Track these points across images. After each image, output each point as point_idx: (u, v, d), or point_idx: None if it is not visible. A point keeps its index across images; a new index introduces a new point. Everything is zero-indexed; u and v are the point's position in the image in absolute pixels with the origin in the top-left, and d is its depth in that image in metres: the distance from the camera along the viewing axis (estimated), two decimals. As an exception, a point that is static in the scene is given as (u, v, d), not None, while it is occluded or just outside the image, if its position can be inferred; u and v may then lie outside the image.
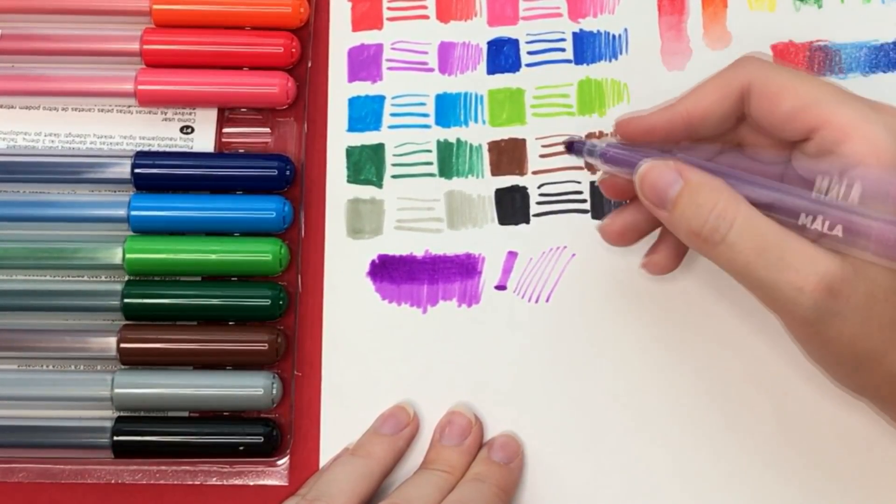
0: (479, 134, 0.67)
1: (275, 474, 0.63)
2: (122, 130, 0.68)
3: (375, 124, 0.68)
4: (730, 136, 0.60)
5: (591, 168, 0.66)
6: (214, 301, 0.64)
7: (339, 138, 0.67)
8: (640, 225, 0.61)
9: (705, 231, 0.53)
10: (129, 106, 0.68)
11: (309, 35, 0.68)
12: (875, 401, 0.56)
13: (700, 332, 0.63)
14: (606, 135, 0.66)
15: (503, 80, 0.68)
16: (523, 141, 0.67)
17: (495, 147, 0.67)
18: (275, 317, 0.64)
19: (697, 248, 0.54)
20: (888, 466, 0.61)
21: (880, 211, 0.51)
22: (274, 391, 0.63)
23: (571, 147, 0.63)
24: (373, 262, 0.65)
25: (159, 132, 0.67)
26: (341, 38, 0.69)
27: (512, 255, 0.65)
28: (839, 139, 0.53)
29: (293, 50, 0.67)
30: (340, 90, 0.68)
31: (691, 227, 0.53)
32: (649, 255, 0.61)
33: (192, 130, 0.67)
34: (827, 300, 0.51)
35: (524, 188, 0.66)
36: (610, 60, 0.68)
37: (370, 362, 0.64)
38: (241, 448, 0.62)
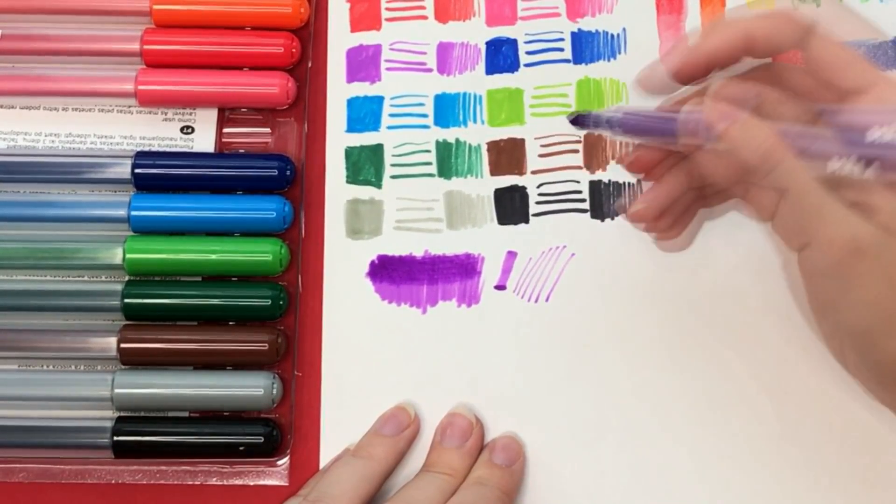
0: (478, 134, 0.67)
1: (275, 474, 0.63)
2: (122, 130, 0.68)
3: (374, 125, 0.68)
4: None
5: (590, 169, 0.66)
6: (214, 301, 0.64)
7: (338, 139, 0.68)
8: (673, 205, 0.61)
9: (755, 161, 0.55)
10: (130, 106, 0.68)
11: (309, 35, 0.68)
12: (885, 378, 0.56)
13: (700, 332, 0.63)
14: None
15: (502, 80, 0.68)
16: (522, 141, 0.67)
17: (494, 147, 0.67)
18: (275, 317, 0.64)
19: (737, 181, 0.57)
20: (890, 466, 0.61)
21: None
22: (274, 391, 0.63)
23: (579, 121, 0.62)
24: (372, 263, 0.65)
25: (159, 132, 0.68)
26: (340, 38, 0.69)
27: (511, 254, 0.65)
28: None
29: (293, 50, 0.67)
30: (339, 91, 0.68)
31: (743, 156, 0.55)
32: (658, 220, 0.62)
33: (193, 130, 0.68)
34: (854, 258, 0.53)
35: (523, 188, 0.66)
36: (609, 60, 0.68)
37: (370, 362, 0.64)
38: (242, 448, 0.62)
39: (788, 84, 0.60)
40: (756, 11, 0.58)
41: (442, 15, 0.69)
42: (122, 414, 0.63)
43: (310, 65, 0.68)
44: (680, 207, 0.62)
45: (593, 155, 0.66)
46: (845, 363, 0.57)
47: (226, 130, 0.68)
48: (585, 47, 0.68)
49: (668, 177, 0.61)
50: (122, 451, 0.63)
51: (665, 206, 0.61)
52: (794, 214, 0.55)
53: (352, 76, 0.69)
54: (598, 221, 0.65)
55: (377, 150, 0.67)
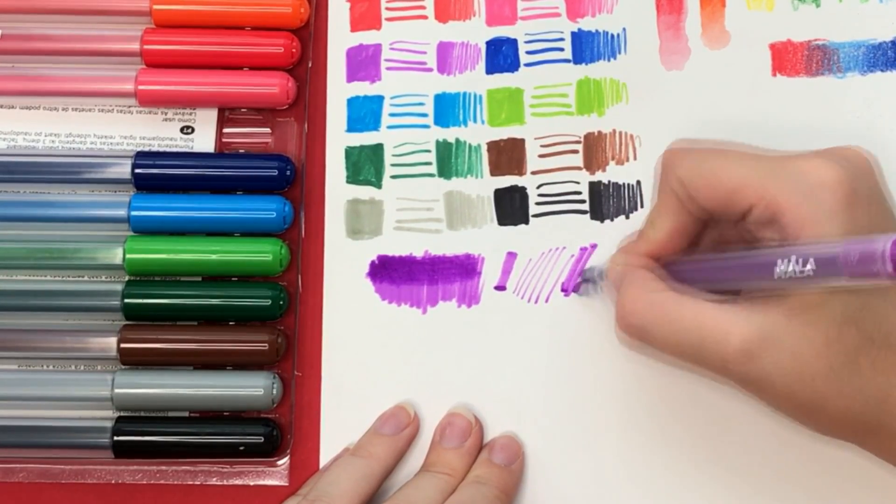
0: (477, 134, 0.67)
1: (275, 474, 0.63)
2: (122, 130, 0.68)
3: (374, 124, 0.68)
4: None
5: (590, 170, 0.66)
6: (215, 301, 0.64)
7: (338, 139, 0.67)
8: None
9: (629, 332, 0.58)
10: (130, 106, 0.68)
11: (309, 35, 0.68)
12: (843, 439, 0.57)
13: (699, 333, 0.63)
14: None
15: (502, 80, 0.68)
16: (522, 141, 0.67)
17: (494, 147, 0.67)
18: (275, 317, 0.64)
19: None
20: (886, 469, 0.62)
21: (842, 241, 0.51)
22: (274, 391, 0.63)
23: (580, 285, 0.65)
24: (372, 263, 0.65)
25: (159, 132, 0.67)
26: (339, 38, 0.69)
27: (511, 255, 0.65)
28: (775, 212, 0.54)
29: (293, 50, 0.67)
30: (339, 90, 0.68)
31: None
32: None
33: (193, 130, 0.68)
34: (750, 364, 0.53)
35: (523, 188, 0.66)
36: (609, 60, 0.68)
37: (370, 362, 0.64)
38: (242, 448, 0.63)
39: None
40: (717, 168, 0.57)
41: (442, 15, 0.69)
42: (122, 414, 0.63)
43: (310, 65, 0.68)
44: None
45: (593, 156, 0.66)
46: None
47: (226, 130, 0.68)
48: (585, 47, 0.68)
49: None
50: (122, 451, 0.63)
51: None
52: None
53: (352, 76, 0.68)
54: (598, 222, 0.65)
55: (377, 149, 0.67)
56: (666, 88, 0.67)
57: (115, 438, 0.63)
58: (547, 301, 0.65)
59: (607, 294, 0.62)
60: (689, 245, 0.60)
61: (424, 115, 0.68)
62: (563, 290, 0.65)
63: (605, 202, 0.66)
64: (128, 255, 0.64)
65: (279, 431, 0.63)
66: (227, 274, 0.65)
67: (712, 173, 0.56)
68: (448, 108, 0.68)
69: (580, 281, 0.64)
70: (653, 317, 0.56)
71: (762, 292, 0.54)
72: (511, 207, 0.66)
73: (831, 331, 0.53)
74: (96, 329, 0.64)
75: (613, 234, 0.65)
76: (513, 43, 0.68)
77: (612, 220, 0.65)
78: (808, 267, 0.50)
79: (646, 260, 0.60)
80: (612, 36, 0.68)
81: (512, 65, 0.68)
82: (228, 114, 0.68)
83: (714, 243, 0.60)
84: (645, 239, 0.60)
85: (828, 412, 0.54)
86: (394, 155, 0.67)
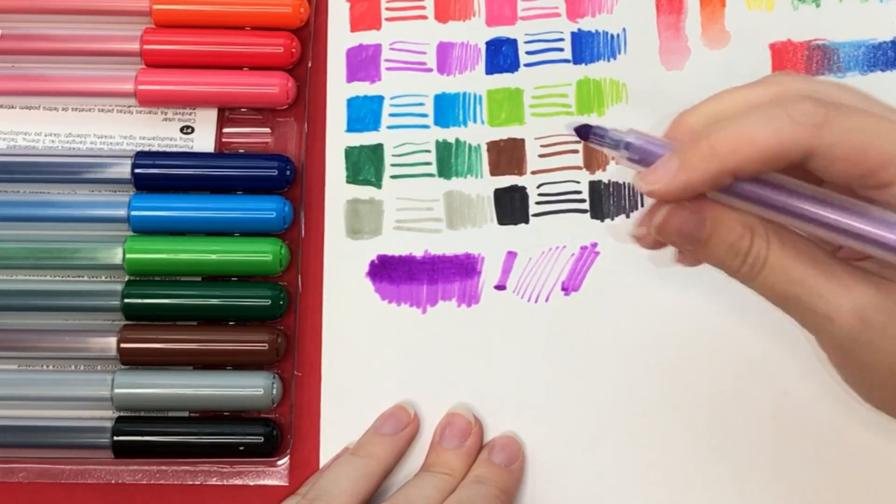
0: (477, 134, 0.67)
1: (275, 474, 0.63)
2: (122, 130, 0.68)
3: (374, 124, 0.68)
4: None
5: (590, 170, 0.66)
6: (214, 301, 0.64)
7: (338, 139, 0.68)
8: None
9: (742, 270, 0.50)
10: (130, 106, 0.68)
11: (309, 35, 0.68)
12: None
13: (700, 333, 0.63)
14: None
15: (502, 80, 0.68)
16: (522, 141, 0.67)
17: (494, 147, 0.67)
18: (275, 317, 0.64)
19: (733, 277, 0.51)
20: (886, 467, 0.62)
21: None
22: (274, 391, 0.63)
23: (582, 132, 0.51)
24: (372, 263, 0.65)
25: (159, 132, 0.68)
26: (339, 38, 0.69)
27: (511, 254, 0.65)
28: None
29: (293, 50, 0.67)
30: (339, 90, 0.68)
31: (725, 265, 0.50)
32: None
33: (193, 130, 0.68)
34: (860, 329, 0.49)
35: (523, 188, 0.66)
36: (608, 60, 0.68)
37: (370, 362, 0.64)
38: (241, 448, 0.62)
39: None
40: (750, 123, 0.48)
41: (442, 15, 0.69)
42: (122, 414, 0.63)
43: (310, 65, 0.68)
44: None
45: (593, 155, 0.66)
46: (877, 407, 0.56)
47: (226, 130, 0.68)
48: (585, 47, 0.68)
49: None
50: (122, 451, 0.63)
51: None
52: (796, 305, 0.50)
53: (352, 76, 0.69)
54: (598, 221, 0.65)
55: (377, 149, 0.67)
56: (666, 88, 0.67)
57: (115, 438, 0.63)
58: (547, 300, 0.65)
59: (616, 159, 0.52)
60: None
61: (424, 115, 0.68)
62: (563, 289, 0.65)
63: (606, 201, 0.66)
64: (128, 255, 0.64)
65: (279, 431, 0.63)
66: (227, 274, 0.65)
67: (859, 145, 0.47)
68: (448, 109, 0.68)
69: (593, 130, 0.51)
70: (770, 259, 0.49)
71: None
72: (511, 207, 0.66)
73: None
74: (96, 329, 0.64)
75: (614, 233, 0.65)
76: (513, 43, 0.68)
77: (612, 219, 0.65)
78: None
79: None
80: (612, 36, 0.68)
81: (512, 65, 0.68)
82: (228, 114, 0.68)
83: None
84: (727, 157, 0.47)
85: None
86: (394, 155, 0.67)
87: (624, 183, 0.66)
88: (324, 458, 0.63)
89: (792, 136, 0.47)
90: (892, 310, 0.49)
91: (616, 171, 0.66)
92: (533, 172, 0.66)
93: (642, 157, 0.48)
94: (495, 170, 0.67)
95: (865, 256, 0.50)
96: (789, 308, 0.51)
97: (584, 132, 0.50)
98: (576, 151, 0.66)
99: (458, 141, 0.67)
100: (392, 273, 0.65)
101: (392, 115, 0.68)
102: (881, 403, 0.53)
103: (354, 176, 0.67)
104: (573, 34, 0.68)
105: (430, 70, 0.68)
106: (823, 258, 0.50)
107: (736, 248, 0.50)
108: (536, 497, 0.62)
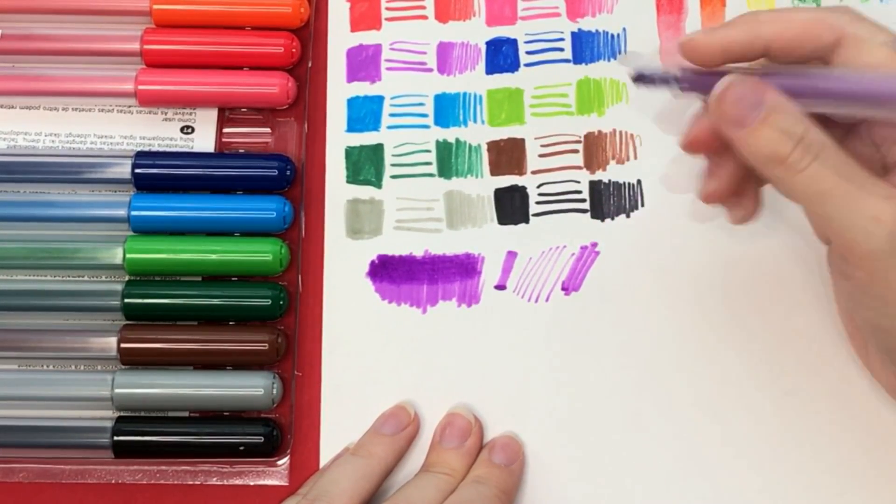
0: (477, 134, 0.67)
1: (275, 474, 0.63)
2: (122, 130, 0.68)
3: (374, 124, 0.68)
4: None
5: (590, 169, 0.66)
6: (215, 301, 0.64)
7: (338, 139, 0.68)
8: (743, 179, 0.57)
9: (791, 157, 0.50)
10: (130, 106, 0.68)
11: (309, 35, 0.68)
12: None
13: (701, 331, 0.63)
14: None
15: (502, 80, 0.68)
16: (522, 141, 0.67)
17: (494, 147, 0.67)
18: (275, 317, 0.64)
19: (772, 173, 0.51)
20: (888, 464, 0.62)
21: None
22: (274, 391, 0.63)
23: (641, 77, 0.56)
24: (372, 263, 0.65)
25: (159, 132, 0.68)
26: (340, 38, 0.69)
27: (511, 254, 0.65)
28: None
29: (293, 50, 0.67)
30: (339, 90, 0.68)
31: (776, 151, 0.51)
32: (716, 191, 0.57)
33: (193, 130, 0.68)
34: (875, 257, 0.50)
35: (523, 188, 0.66)
36: (609, 60, 0.68)
37: (370, 362, 0.64)
38: (242, 448, 0.62)
39: None
40: (790, 9, 0.54)
41: (442, 15, 0.69)
42: (122, 414, 0.63)
43: (310, 65, 0.68)
44: (750, 180, 0.57)
45: (593, 155, 0.66)
46: (868, 363, 0.57)
47: (226, 130, 0.68)
48: (585, 47, 0.68)
49: (729, 153, 0.55)
50: (122, 451, 0.63)
51: (736, 183, 0.57)
52: (820, 210, 0.51)
53: (352, 76, 0.69)
54: (599, 221, 0.65)
55: (377, 149, 0.67)
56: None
57: (115, 438, 0.62)
58: (547, 300, 0.65)
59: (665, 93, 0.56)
60: None
61: (424, 115, 0.68)
62: (563, 289, 0.65)
63: (606, 201, 0.66)
64: (128, 255, 0.64)
65: (279, 431, 0.63)
66: (227, 274, 0.65)
67: (876, 54, 0.51)
68: (448, 108, 0.68)
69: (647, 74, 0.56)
70: (824, 150, 0.51)
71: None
72: (511, 207, 0.66)
73: None
74: (96, 329, 0.64)
75: (614, 233, 0.65)
76: (513, 43, 0.68)
77: (612, 219, 0.65)
78: None
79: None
80: (612, 36, 0.68)
81: (512, 65, 0.68)
82: (228, 114, 0.68)
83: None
84: (765, 26, 0.53)
85: None
86: (394, 155, 0.67)
87: (624, 183, 0.66)
88: (324, 458, 0.63)
89: (827, 18, 0.53)
90: None
91: (616, 171, 0.66)
92: (533, 172, 0.66)
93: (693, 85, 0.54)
94: (495, 170, 0.67)
95: None
96: (831, 206, 0.50)
97: (641, 79, 0.55)
98: (576, 151, 0.66)
99: (458, 141, 0.67)
100: (392, 273, 0.65)
101: (392, 115, 0.68)
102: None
103: (354, 176, 0.67)
104: (573, 34, 0.68)
105: (430, 70, 0.68)
106: (865, 170, 0.51)
107: (790, 132, 0.50)
108: (536, 497, 0.62)
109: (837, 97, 0.52)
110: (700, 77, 0.54)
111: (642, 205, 0.65)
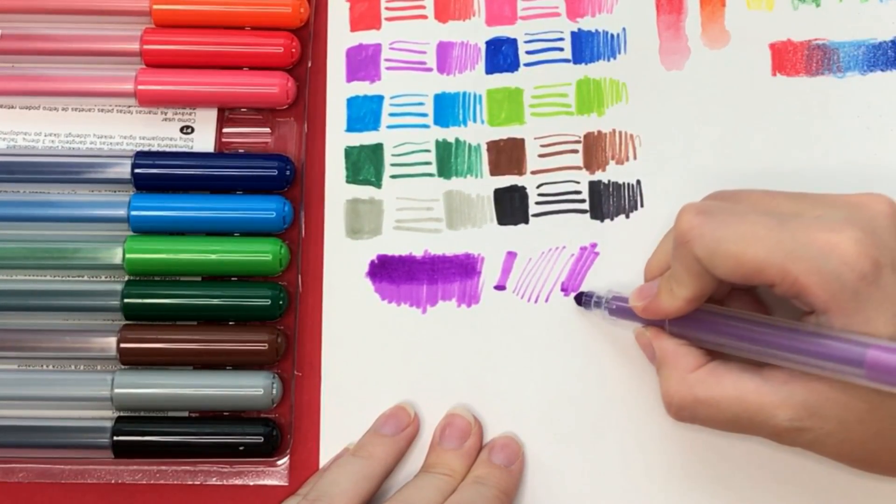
0: (477, 134, 0.67)
1: (275, 474, 0.63)
2: (122, 130, 0.68)
3: (374, 124, 0.68)
4: None
5: (590, 170, 0.66)
6: (214, 301, 0.64)
7: (338, 138, 0.68)
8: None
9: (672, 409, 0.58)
10: (129, 106, 0.68)
11: (309, 35, 0.68)
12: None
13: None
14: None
15: (502, 80, 0.68)
16: (522, 140, 0.67)
17: (494, 147, 0.67)
18: (275, 317, 0.64)
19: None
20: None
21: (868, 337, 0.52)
22: (274, 391, 0.63)
23: (580, 300, 0.64)
24: (372, 263, 0.66)
25: (159, 132, 0.68)
26: (339, 38, 0.69)
27: (511, 255, 0.65)
28: (799, 291, 0.53)
29: (293, 50, 0.67)
30: (339, 90, 0.68)
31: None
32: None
33: (192, 130, 0.68)
34: (800, 436, 0.54)
35: (523, 188, 0.66)
36: (608, 60, 0.68)
37: (370, 362, 0.64)
38: (241, 448, 0.63)
39: None
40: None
41: (442, 14, 0.69)
42: (122, 414, 0.63)
43: (310, 64, 0.68)
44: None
45: (593, 155, 0.66)
46: None
47: (226, 130, 0.68)
48: (585, 47, 0.68)
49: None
50: (122, 451, 0.63)
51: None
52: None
53: (351, 76, 0.69)
54: (598, 222, 0.65)
55: (377, 149, 0.67)
56: (666, 88, 0.67)
57: (115, 438, 0.63)
58: (547, 301, 0.65)
59: (608, 319, 0.63)
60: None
61: (424, 114, 0.68)
62: (563, 289, 0.65)
63: (605, 202, 0.66)
64: (128, 255, 0.64)
65: (279, 431, 0.63)
66: (227, 274, 0.65)
67: (732, 253, 0.54)
68: (448, 108, 0.68)
69: (581, 298, 0.64)
70: (695, 401, 0.56)
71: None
72: (511, 207, 0.66)
73: (874, 398, 0.53)
74: (96, 329, 0.64)
75: (613, 233, 0.65)
76: (513, 43, 0.68)
77: (612, 219, 0.65)
78: (829, 365, 0.53)
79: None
80: (612, 36, 0.68)
81: (512, 65, 0.68)
82: (228, 114, 0.68)
83: (728, 290, 0.60)
84: (664, 305, 0.58)
85: (883, 463, 0.56)
86: (393, 155, 0.67)
87: (624, 183, 0.66)
88: (324, 459, 0.63)
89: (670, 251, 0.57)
90: (823, 411, 0.54)
91: (616, 171, 0.66)
92: (533, 172, 0.66)
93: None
94: (495, 170, 0.67)
95: None
96: (734, 432, 0.57)
97: (580, 300, 0.64)
98: (575, 152, 0.66)
99: (458, 141, 0.67)
100: (392, 273, 0.65)
101: (392, 114, 0.68)
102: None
103: (354, 176, 0.67)
104: (573, 34, 0.68)
105: (429, 70, 0.68)
106: (743, 383, 0.56)
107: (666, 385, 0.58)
108: (536, 497, 0.62)
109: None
110: (622, 307, 0.62)
111: (641, 205, 0.65)
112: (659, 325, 0.60)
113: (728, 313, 0.58)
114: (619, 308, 0.62)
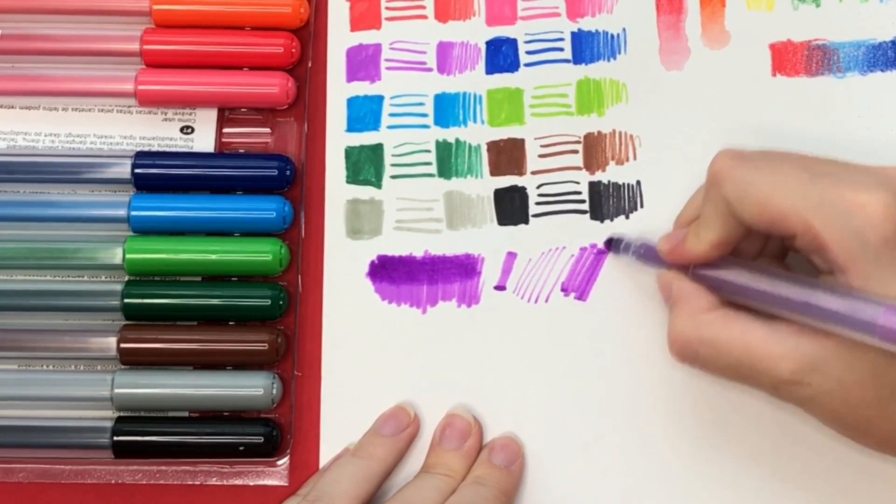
0: (477, 134, 0.67)
1: (275, 474, 0.63)
2: (122, 130, 0.68)
3: (374, 124, 0.68)
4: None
5: (590, 170, 0.66)
6: (214, 301, 0.64)
7: (338, 138, 0.68)
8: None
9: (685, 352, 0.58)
10: (129, 106, 0.68)
11: (309, 35, 0.68)
12: (892, 455, 0.58)
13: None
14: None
15: (502, 80, 0.68)
16: (522, 141, 0.67)
17: (494, 147, 0.67)
18: (275, 317, 0.64)
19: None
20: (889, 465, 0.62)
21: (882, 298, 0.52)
22: (274, 391, 0.63)
23: (610, 244, 0.65)
24: (372, 263, 0.66)
25: (159, 132, 0.68)
26: (339, 37, 0.69)
27: (511, 255, 0.65)
28: (819, 246, 0.53)
29: (293, 50, 0.67)
30: (339, 90, 0.68)
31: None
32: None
33: (192, 130, 0.68)
34: (799, 389, 0.54)
35: (523, 188, 0.66)
36: (608, 60, 0.68)
37: (370, 362, 0.64)
38: (241, 448, 0.63)
39: None
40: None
41: (442, 14, 0.69)
42: (122, 414, 0.63)
43: (310, 65, 0.68)
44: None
45: (593, 156, 0.66)
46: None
47: (226, 130, 0.68)
48: (585, 47, 0.68)
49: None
50: (122, 451, 0.63)
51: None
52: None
53: (352, 76, 0.69)
54: (598, 222, 0.65)
55: (377, 149, 0.67)
56: (666, 88, 0.67)
57: (115, 438, 0.63)
58: (547, 301, 0.65)
59: (636, 263, 0.63)
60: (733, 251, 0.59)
61: (424, 115, 0.68)
62: (563, 290, 0.65)
63: (605, 202, 0.66)
64: (128, 255, 0.64)
65: (279, 431, 0.63)
66: (227, 274, 0.65)
67: (759, 198, 0.55)
68: (448, 108, 0.68)
69: (611, 242, 0.65)
70: (699, 341, 0.57)
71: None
72: (511, 207, 0.66)
73: (879, 364, 0.53)
74: (96, 329, 0.64)
75: (611, 232, 0.65)
76: (513, 43, 0.68)
77: (611, 220, 0.65)
78: (843, 318, 0.52)
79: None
80: (612, 36, 0.68)
81: (512, 65, 0.68)
82: (228, 114, 0.68)
83: (757, 251, 0.60)
84: (689, 248, 0.59)
85: (874, 434, 0.55)
86: (394, 155, 0.67)
87: (624, 183, 0.66)
88: (324, 459, 0.63)
89: (718, 201, 0.57)
90: (825, 368, 0.54)
91: (616, 171, 0.66)
92: (533, 173, 0.66)
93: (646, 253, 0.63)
94: (495, 170, 0.67)
95: None
96: (737, 380, 0.57)
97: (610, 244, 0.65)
98: (576, 152, 0.66)
99: (458, 141, 0.67)
100: (392, 273, 0.65)
101: (392, 114, 0.68)
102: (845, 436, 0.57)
103: (354, 176, 0.67)
104: (573, 34, 0.68)
105: (430, 70, 0.68)
106: (753, 329, 0.56)
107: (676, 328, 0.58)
108: (536, 497, 0.62)
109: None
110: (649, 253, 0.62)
111: (641, 206, 0.65)
112: (682, 271, 0.59)
113: (749, 265, 0.58)
114: (646, 252, 0.62)
